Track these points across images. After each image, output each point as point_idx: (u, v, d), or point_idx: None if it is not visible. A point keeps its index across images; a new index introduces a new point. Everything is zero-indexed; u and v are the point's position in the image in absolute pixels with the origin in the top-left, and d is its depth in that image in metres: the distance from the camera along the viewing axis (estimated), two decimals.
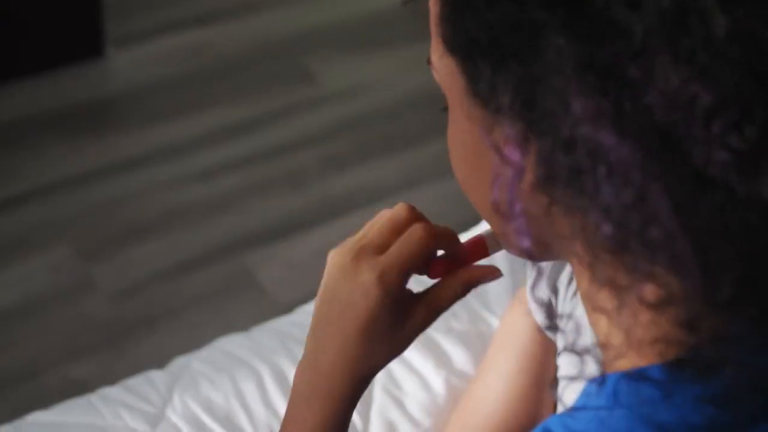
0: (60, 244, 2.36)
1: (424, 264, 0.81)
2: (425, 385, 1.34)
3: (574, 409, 0.66)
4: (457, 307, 1.44)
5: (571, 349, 0.76)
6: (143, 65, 2.96)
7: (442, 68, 0.69)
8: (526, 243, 0.67)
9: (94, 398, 1.31)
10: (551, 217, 0.65)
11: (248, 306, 2.25)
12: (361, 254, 0.78)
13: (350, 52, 3.09)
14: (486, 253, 0.83)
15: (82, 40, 2.87)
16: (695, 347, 0.62)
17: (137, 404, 1.29)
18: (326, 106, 2.86)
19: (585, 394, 0.66)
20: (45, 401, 1.96)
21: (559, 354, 1.13)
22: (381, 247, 0.79)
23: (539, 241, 0.69)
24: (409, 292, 0.80)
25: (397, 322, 0.78)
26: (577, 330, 1.15)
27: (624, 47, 0.56)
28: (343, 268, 0.79)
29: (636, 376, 0.63)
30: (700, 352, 0.62)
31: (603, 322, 0.68)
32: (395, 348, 0.80)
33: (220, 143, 2.70)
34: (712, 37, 0.55)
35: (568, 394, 0.99)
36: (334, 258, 0.80)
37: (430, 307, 0.81)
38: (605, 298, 0.66)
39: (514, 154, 0.63)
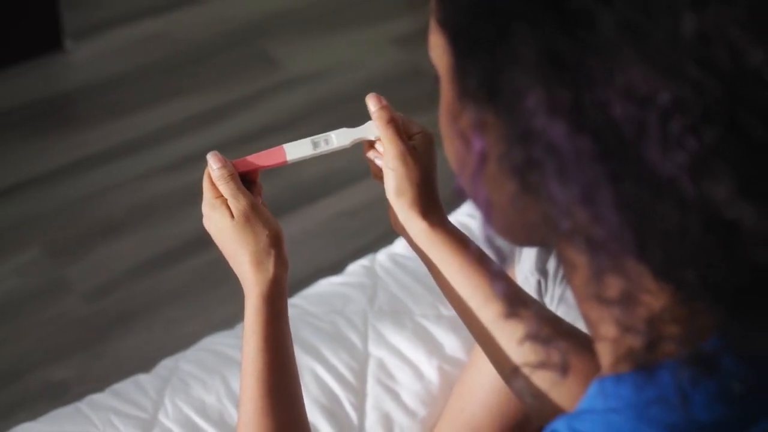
0: (30, 244, 2.32)
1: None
2: (418, 375, 1.33)
3: (581, 411, 0.65)
4: None
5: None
6: (104, 57, 2.92)
7: (434, 44, 0.68)
8: (487, 230, 0.66)
9: (82, 405, 1.29)
10: (520, 206, 0.63)
11: (227, 299, 2.22)
12: (205, 208, 1.04)
13: (311, 35, 3.07)
14: (283, 159, 1.08)
15: (41, 34, 2.83)
16: (686, 346, 0.62)
17: (128, 410, 1.27)
18: (291, 91, 2.84)
19: (591, 394, 0.66)
20: (27, 404, 1.95)
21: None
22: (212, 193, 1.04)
23: (511, 229, 0.68)
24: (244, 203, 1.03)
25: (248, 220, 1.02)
26: (568, 314, 1.15)
27: (589, 40, 0.55)
28: (208, 222, 1.04)
29: (641, 374, 0.63)
30: (697, 349, 0.61)
31: (594, 313, 0.67)
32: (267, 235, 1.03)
33: (186, 133, 2.67)
34: (679, 36, 0.54)
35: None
36: (207, 225, 1.05)
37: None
38: (586, 288, 0.65)
39: (477, 141, 0.63)
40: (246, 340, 1.01)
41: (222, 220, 1.02)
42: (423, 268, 1.46)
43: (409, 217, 0.98)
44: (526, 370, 0.93)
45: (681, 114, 0.54)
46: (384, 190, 1.00)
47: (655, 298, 0.62)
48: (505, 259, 0.69)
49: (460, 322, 1.39)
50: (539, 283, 1.20)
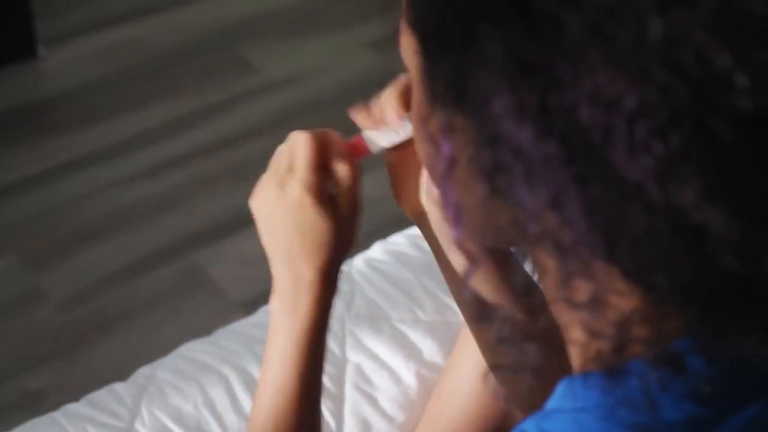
0: (4, 253, 2.30)
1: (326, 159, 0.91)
2: (396, 379, 1.33)
3: (549, 410, 0.65)
4: (423, 297, 1.43)
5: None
6: (76, 64, 2.90)
7: (405, 45, 0.68)
8: (456, 233, 0.66)
9: (57, 416, 1.27)
10: (489, 209, 0.63)
11: (203, 305, 2.21)
12: (279, 182, 0.88)
13: (286, 39, 3.07)
14: (367, 152, 0.94)
15: (13, 41, 2.81)
16: (655, 346, 0.62)
17: (104, 419, 1.26)
18: (266, 96, 2.83)
19: (559, 394, 0.66)
20: (3, 415, 1.93)
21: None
22: (288, 169, 0.89)
23: (481, 231, 0.67)
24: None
25: (334, 217, 0.88)
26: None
27: (555, 42, 0.55)
28: (272, 201, 0.88)
29: (609, 375, 0.63)
30: (667, 350, 0.61)
31: (564, 316, 0.67)
32: (345, 239, 0.90)
33: (160, 140, 2.65)
34: (646, 39, 0.53)
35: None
36: (260, 197, 0.89)
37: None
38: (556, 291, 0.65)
39: (445, 144, 0.62)
40: (283, 354, 0.90)
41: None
42: (400, 273, 1.46)
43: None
44: (499, 371, 0.93)
45: (647, 118, 0.53)
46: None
47: (624, 300, 0.61)
48: (476, 261, 0.69)
49: (437, 326, 1.39)
50: None
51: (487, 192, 0.60)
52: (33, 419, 1.28)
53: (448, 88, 0.60)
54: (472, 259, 0.68)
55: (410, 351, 1.35)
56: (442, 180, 0.64)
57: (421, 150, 0.70)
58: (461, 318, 1.40)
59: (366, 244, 1.58)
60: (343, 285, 1.46)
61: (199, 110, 2.76)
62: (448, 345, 1.35)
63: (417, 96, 0.68)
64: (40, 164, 2.55)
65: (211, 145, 2.64)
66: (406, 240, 1.54)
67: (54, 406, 1.33)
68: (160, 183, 2.52)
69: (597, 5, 0.54)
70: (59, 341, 2.12)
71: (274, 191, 0.88)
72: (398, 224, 1.61)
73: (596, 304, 0.61)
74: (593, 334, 0.63)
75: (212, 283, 2.26)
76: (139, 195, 2.49)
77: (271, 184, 0.89)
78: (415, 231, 1.56)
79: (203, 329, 1.55)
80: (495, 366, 0.94)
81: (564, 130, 0.55)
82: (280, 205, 0.88)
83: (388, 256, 1.51)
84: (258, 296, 1.84)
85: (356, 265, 1.50)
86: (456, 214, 0.65)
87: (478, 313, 1.04)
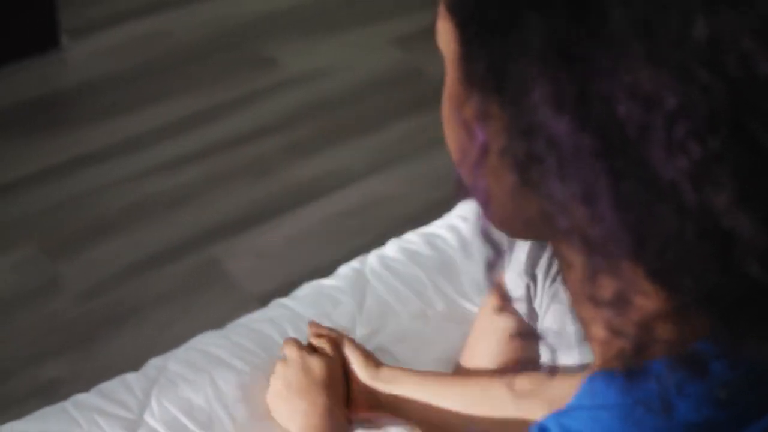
0: (23, 243, 2.31)
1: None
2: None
3: (570, 407, 0.65)
4: (432, 294, 1.43)
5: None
6: (100, 56, 2.91)
7: (442, 30, 0.67)
8: (485, 222, 0.66)
9: (68, 405, 1.28)
10: (519, 200, 0.63)
11: (218, 299, 2.22)
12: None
13: (309, 35, 3.06)
14: None
15: (37, 32, 2.82)
16: (677, 347, 0.61)
17: (114, 410, 1.26)
18: (287, 92, 2.83)
19: (581, 392, 0.65)
20: (17, 404, 1.93)
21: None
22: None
23: (508, 221, 0.67)
24: None
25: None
26: (562, 312, 1.15)
27: (598, 33, 0.54)
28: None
29: (630, 374, 0.62)
30: (688, 352, 0.61)
31: (587, 313, 0.67)
32: None
33: (181, 134, 2.66)
34: (691, 39, 0.53)
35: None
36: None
37: None
38: (581, 288, 0.64)
39: (480, 132, 0.62)
40: None
41: None
42: (412, 271, 1.46)
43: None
44: (514, 369, 0.93)
45: (686, 118, 0.53)
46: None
47: (648, 300, 0.61)
48: (500, 252, 0.69)
49: (447, 325, 1.39)
50: (528, 287, 1.20)
51: (517, 182, 0.60)
52: (43, 408, 1.28)
53: (487, 74, 0.60)
54: (497, 250, 0.68)
55: (420, 345, 1.36)
56: (473, 168, 0.64)
57: (452, 136, 0.69)
58: (470, 315, 1.40)
59: (381, 243, 1.58)
60: (356, 283, 1.46)
61: (218, 105, 2.76)
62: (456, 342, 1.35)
63: (452, 82, 0.67)
64: (59, 155, 2.56)
65: (229, 140, 2.64)
66: (421, 239, 1.54)
67: (67, 397, 1.34)
68: (177, 177, 2.53)
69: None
70: (74, 332, 2.13)
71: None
72: (414, 224, 1.61)
73: (620, 302, 0.61)
74: (615, 332, 0.62)
75: (228, 278, 2.27)
76: (156, 189, 2.49)
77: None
78: (429, 229, 1.56)
79: (218, 323, 1.55)
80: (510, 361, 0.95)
81: (601, 123, 0.55)
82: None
83: (402, 254, 1.51)
84: (274, 290, 1.84)
85: (370, 263, 1.50)
86: (485, 203, 0.65)
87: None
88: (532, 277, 1.20)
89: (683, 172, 0.53)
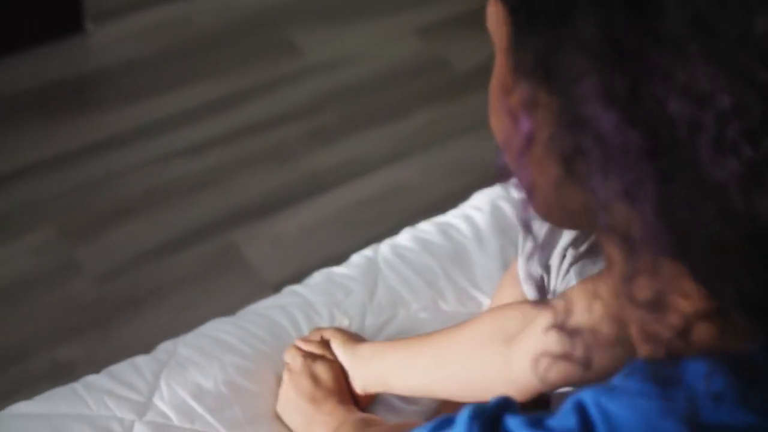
0: (43, 225, 2.33)
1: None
2: None
3: (613, 386, 0.63)
4: (445, 284, 1.43)
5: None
6: (124, 41, 2.92)
7: (492, 13, 0.66)
8: (527, 211, 0.65)
9: (78, 386, 1.28)
10: (562, 192, 0.62)
11: (236, 284, 2.22)
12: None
13: (332, 23, 3.06)
14: None
15: (62, 15, 2.83)
16: (718, 348, 0.60)
17: (123, 392, 1.27)
18: (310, 79, 2.83)
19: (624, 373, 0.64)
20: (33, 384, 1.95)
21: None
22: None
23: (551, 211, 0.66)
24: None
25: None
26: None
27: (655, 29, 0.53)
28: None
29: (671, 368, 0.61)
30: (730, 353, 0.60)
31: (626, 312, 0.66)
32: None
33: (203, 119, 2.66)
34: (749, 35, 0.52)
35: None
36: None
37: None
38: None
39: (526, 121, 0.61)
40: None
41: None
42: (425, 260, 1.46)
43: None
44: (547, 360, 0.92)
45: (739, 119, 0.52)
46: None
47: (689, 301, 0.60)
48: (538, 243, 0.68)
49: (460, 317, 1.38)
50: (542, 278, 1.19)
51: (562, 174, 0.59)
52: (54, 389, 1.29)
53: (537, 62, 0.59)
54: (535, 240, 0.67)
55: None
56: (518, 156, 0.63)
57: (497, 123, 0.67)
58: (484, 307, 1.39)
59: (395, 232, 1.57)
60: (367, 271, 1.46)
61: (242, 91, 2.76)
62: None
63: (500, 67, 0.65)
64: (81, 139, 2.58)
65: (252, 125, 2.65)
66: (434, 228, 1.53)
67: (80, 378, 1.35)
68: (199, 162, 2.53)
69: None
70: (92, 314, 2.14)
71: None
72: (432, 214, 1.60)
73: (658, 304, 0.59)
74: (652, 333, 0.61)
75: (246, 264, 2.27)
76: (178, 173, 2.50)
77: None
78: (444, 219, 1.55)
79: (234, 309, 1.55)
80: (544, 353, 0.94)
81: (650, 120, 0.54)
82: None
83: (415, 243, 1.50)
84: (290, 277, 1.84)
85: (383, 251, 1.50)
86: (528, 192, 0.64)
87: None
88: (546, 269, 1.19)
89: (732, 174, 0.52)
